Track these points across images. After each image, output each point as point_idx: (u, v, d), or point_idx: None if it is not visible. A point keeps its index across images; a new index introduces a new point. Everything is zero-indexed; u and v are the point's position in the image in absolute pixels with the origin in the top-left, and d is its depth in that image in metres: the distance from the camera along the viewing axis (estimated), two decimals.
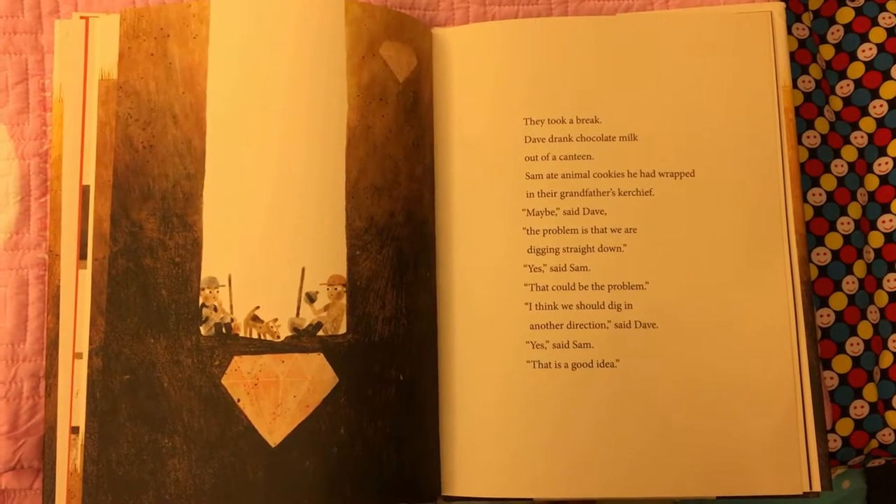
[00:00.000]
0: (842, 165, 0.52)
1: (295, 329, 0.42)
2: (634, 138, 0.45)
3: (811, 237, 0.51)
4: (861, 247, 0.51)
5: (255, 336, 0.42)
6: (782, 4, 0.47)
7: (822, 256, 0.51)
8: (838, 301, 0.50)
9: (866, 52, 0.53)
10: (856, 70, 0.53)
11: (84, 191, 0.44)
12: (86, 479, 0.41)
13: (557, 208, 0.45)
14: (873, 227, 0.52)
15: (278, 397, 0.41)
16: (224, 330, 0.42)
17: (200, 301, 0.42)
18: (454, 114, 0.46)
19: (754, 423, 0.43)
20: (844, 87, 0.54)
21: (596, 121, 0.46)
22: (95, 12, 0.46)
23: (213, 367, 0.42)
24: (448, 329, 0.44)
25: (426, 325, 0.44)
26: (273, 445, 0.41)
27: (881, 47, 0.53)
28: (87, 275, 0.43)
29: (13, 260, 0.45)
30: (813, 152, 0.52)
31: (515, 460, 0.43)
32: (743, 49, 0.46)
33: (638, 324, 0.44)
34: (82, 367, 0.42)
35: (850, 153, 0.52)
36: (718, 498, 0.43)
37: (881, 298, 0.51)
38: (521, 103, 0.46)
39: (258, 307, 0.42)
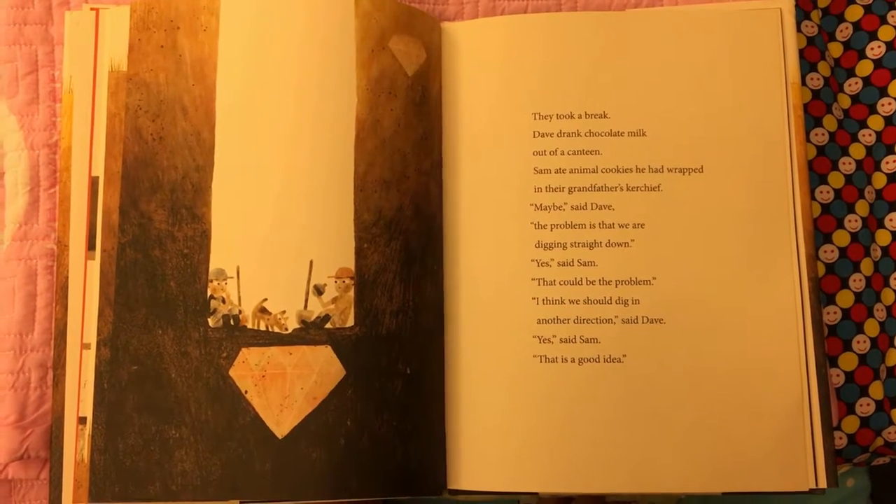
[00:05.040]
0: (850, 163, 0.52)
1: (303, 321, 0.42)
2: (643, 134, 0.45)
3: (818, 234, 0.50)
4: (868, 245, 0.51)
5: (262, 328, 0.42)
6: (791, 1, 0.47)
7: (829, 254, 0.51)
8: (845, 299, 0.50)
9: (875, 50, 0.53)
10: (864, 68, 0.53)
11: (93, 182, 0.44)
12: (93, 469, 0.42)
13: (565, 203, 0.45)
14: (881, 225, 0.52)
15: (286, 389, 0.41)
16: (232, 322, 0.42)
17: (208, 293, 0.42)
18: (463, 108, 0.46)
19: (760, 420, 0.43)
20: (853, 85, 0.54)
21: (604, 116, 0.46)
22: (105, 4, 0.46)
23: (220, 359, 0.42)
24: (455, 323, 0.44)
25: (433, 318, 0.44)
26: (280, 437, 0.41)
27: (890, 45, 0.53)
28: (95, 266, 0.43)
29: (22, 250, 0.45)
30: (821, 150, 0.52)
31: (521, 455, 0.43)
32: (752, 46, 0.46)
33: (645, 319, 0.44)
34: (90, 357, 0.43)
35: (858, 151, 0.52)
36: (724, 494, 0.43)
37: (888, 296, 0.51)
38: (530, 98, 0.46)
39: (266, 299, 0.42)
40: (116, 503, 0.41)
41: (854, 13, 0.54)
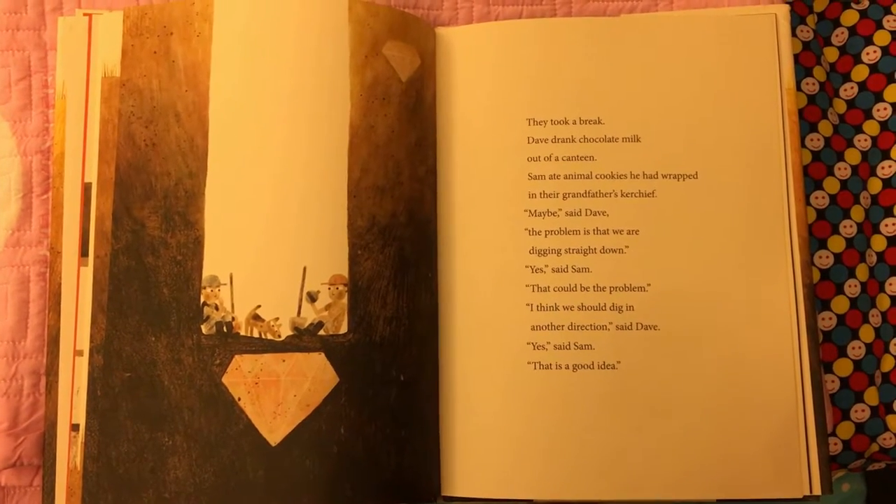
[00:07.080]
0: (845, 168, 0.52)
1: (296, 328, 0.42)
2: (637, 140, 0.45)
3: (813, 240, 0.50)
4: (863, 250, 0.51)
5: (256, 335, 0.42)
6: (787, 7, 0.47)
7: (824, 260, 0.51)
8: (840, 304, 0.50)
9: (870, 54, 0.53)
10: (860, 73, 0.53)
11: (86, 188, 0.44)
12: (86, 476, 0.41)
13: (559, 209, 0.45)
14: (876, 230, 0.52)
15: (279, 396, 0.41)
16: (225, 329, 0.42)
17: (202, 299, 0.42)
18: (457, 114, 0.46)
19: (755, 426, 0.43)
20: (848, 90, 0.54)
21: (599, 122, 0.46)
22: (99, 9, 0.46)
23: (213, 366, 0.42)
24: (449, 329, 0.44)
25: (427, 325, 0.44)
26: (273, 444, 0.41)
27: (885, 50, 0.53)
28: (88, 272, 0.43)
29: (14, 257, 0.45)
30: (816, 155, 0.52)
31: (516, 461, 0.43)
32: (747, 51, 0.46)
33: (639, 326, 0.44)
34: (83, 364, 0.42)
35: (853, 156, 0.52)
36: (719, 501, 0.43)
37: (883, 302, 0.51)
38: (524, 104, 0.46)
39: (259, 306, 0.42)
40: None
41: (849, 18, 0.54)
